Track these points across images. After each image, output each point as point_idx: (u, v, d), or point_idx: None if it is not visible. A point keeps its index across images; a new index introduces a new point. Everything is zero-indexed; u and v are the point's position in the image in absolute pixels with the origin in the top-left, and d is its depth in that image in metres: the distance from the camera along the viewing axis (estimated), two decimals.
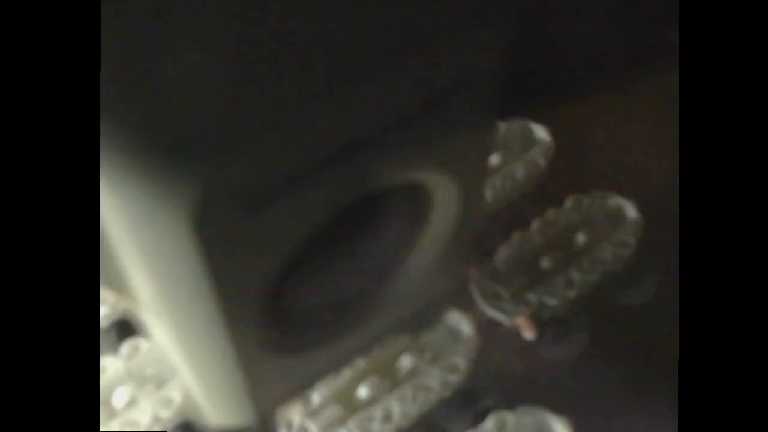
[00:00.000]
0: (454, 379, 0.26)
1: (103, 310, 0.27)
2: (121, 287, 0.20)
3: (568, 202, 0.30)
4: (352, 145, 0.17)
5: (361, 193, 0.18)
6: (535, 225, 0.29)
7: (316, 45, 0.15)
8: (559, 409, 0.25)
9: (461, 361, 0.26)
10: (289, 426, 0.25)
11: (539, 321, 0.28)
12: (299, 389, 0.24)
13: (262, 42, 0.15)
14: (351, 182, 0.18)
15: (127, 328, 0.28)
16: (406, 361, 0.26)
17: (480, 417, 0.25)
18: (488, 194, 0.30)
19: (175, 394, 0.25)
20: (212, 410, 0.22)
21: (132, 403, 0.25)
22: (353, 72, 0.16)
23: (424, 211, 0.21)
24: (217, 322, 0.18)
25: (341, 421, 0.25)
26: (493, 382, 0.27)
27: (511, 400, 0.26)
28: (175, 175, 0.15)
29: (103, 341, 0.27)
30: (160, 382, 0.26)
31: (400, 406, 0.25)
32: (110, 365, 0.26)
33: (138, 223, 0.16)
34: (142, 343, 0.26)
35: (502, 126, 0.32)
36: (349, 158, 0.17)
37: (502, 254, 0.29)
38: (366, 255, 0.22)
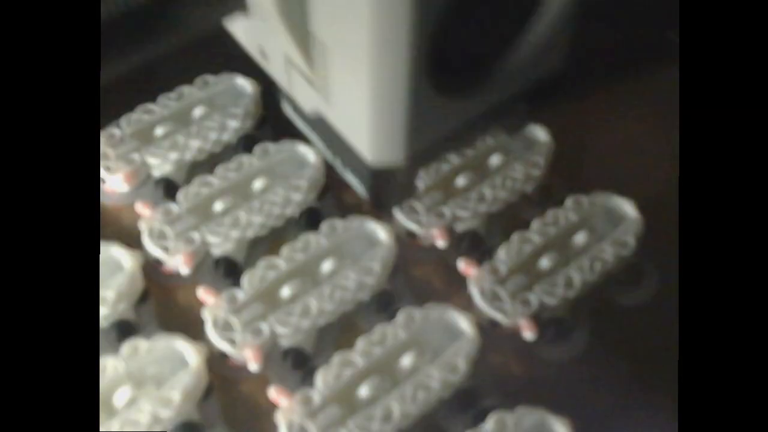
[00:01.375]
0: (454, 379, 0.26)
1: (103, 310, 0.27)
2: (297, 28, 0.23)
3: (568, 203, 0.30)
4: None
5: None
6: (535, 225, 0.29)
7: None
8: (559, 410, 0.25)
9: (461, 361, 0.26)
10: (290, 426, 0.25)
11: (539, 321, 0.28)
12: (446, 134, 0.25)
13: None
14: None
15: (127, 328, 0.28)
16: (406, 361, 0.26)
17: (480, 417, 0.25)
18: (488, 194, 0.30)
19: (174, 394, 0.25)
20: (371, 146, 0.24)
21: (132, 403, 0.25)
22: None
23: None
24: (392, 58, 0.21)
25: (341, 421, 0.25)
26: (492, 382, 0.27)
27: (510, 401, 0.26)
28: None
29: (103, 341, 0.27)
30: (160, 382, 0.26)
31: (400, 406, 0.25)
32: (110, 365, 0.26)
33: None
34: (142, 343, 0.26)
35: (502, 126, 0.32)
36: None
37: (502, 254, 0.29)
38: (496, 13, 0.24)
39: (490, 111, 0.26)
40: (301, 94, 0.26)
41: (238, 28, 0.27)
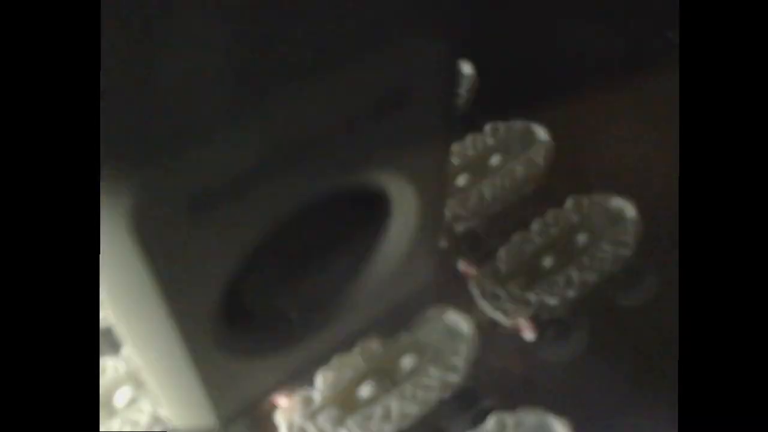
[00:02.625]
0: (454, 379, 0.26)
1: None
2: None
3: (568, 203, 0.30)
4: (301, 146, 0.16)
5: (316, 195, 0.18)
6: (535, 225, 0.29)
7: (263, 43, 0.15)
8: (559, 410, 0.25)
9: (461, 362, 0.26)
10: (290, 426, 0.25)
11: (539, 321, 0.28)
12: (265, 392, 0.23)
13: (209, 38, 0.14)
14: (297, 188, 0.17)
15: None
16: (406, 361, 0.26)
17: (480, 417, 0.25)
18: (488, 194, 0.30)
19: None
20: (174, 414, 0.22)
21: (132, 403, 0.25)
22: (300, 71, 0.15)
23: (383, 217, 0.21)
24: (170, 328, 0.18)
25: (341, 421, 0.25)
26: (492, 382, 0.27)
27: (510, 401, 0.26)
28: (110, 180, 0.14)
29: (104, 342, 0.27)
30: None
31: (400, 405, 0.25)
32: (111, 366, 0.26)
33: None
34: None
35: (502, 126, 0.32)
36: (298, 160, 0.16)
37: (502, 255, 0.29)
38: (329, 257, 0.21)
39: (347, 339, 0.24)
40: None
41: None
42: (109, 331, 0.27)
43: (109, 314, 0.18)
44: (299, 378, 0.24)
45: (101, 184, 0.14)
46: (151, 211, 0.15)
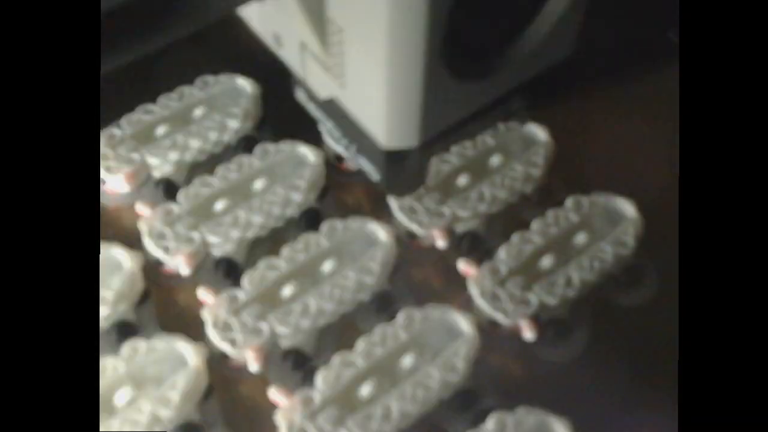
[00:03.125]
0: (454, 379, 0.26)
1: (103, 311, 0.27)
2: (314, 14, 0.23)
3: (568, 203, 0.30)
4: None
5: None
6: (535, 225, 0.29)
7: None
8: (558, 410, 0.25)
9: (461, 362, 0.26)
10: (290, 426, 0.25)
11: (539, 321, 0.28)
12: (459, 119, 0.26)
13: None
14: None
15: (127, 329, 0.28)
16: (406, 361, 0.26)
17: (479, 418, 0.25)
18: (488, 194, 0.30)
19: (173, 395, 0.25)
20: (385, 130, 0.25)
21: (132, 403, 0.25)
22: None
23: None
24: (410, 42, 0.21)
25: (341, 421, 0.25)
26: (492, 382, 0.27)
27: (510, 401, 0.26)
28: None
29: (103, 342, 0.27)
30: (160, 382, 0.26)
31: (399, 405, 0.25)
32: (110, 366, 0.26)
33: None
34: (143, 344, 0.26)
35: (502, 127, 0.32)
36: None
37: (502, 255, 0.29)
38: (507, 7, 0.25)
39: (500, 99, 0.27)
40: (316, 80, 0.27)
41: (253, 15, 0.28)
42: (109, 332, 0.27)
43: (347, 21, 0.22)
44: (482, 113, 0.27)
45: None
46: None
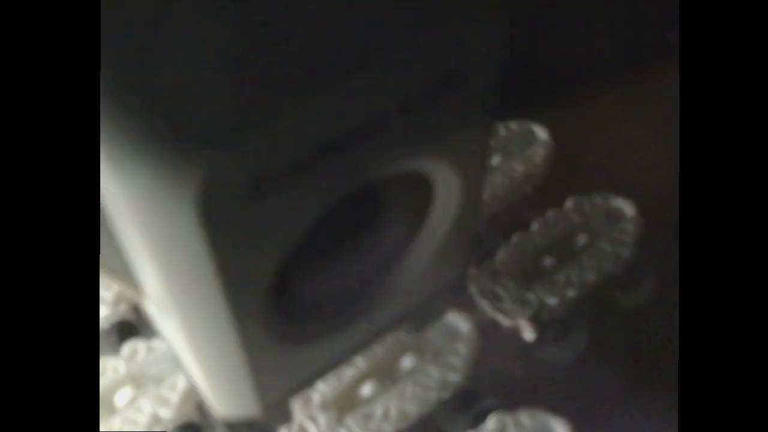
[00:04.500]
0: (454, 378, 0.26)
1: (104, 311, 0.27)
2: (126, 278, 0.20)
3: (568, 203, 0.30)
4: (353, 132, 0.17)
5: (362, 182, 0.18)
6: (535, 226, 0.29)
7: (320, 30, 0.15)
8: (559, 410, 0.25)
9: (461, 362, 0.26)
10: (290, 426, 0.25)
11: (539, 322, 0.28)
12: (305, 380, 0.24)
13: (264, 26, 0.15)
14: (353, 170, 0.18)
15: (128, 329, 0.28)
16: (406, 361, 0.26)
17: (480, 418, 0.25)
18: (487, 194, 0.30)
19: (173, 395, 0.25)
20: (219, 401, 0.22)
21: (132, 404, 0.25)
22: (354, 58, 0.16)
23: (426, 202, 0.21)
24: (223, 311, 0.18)
25: (341, 421, 0.25)
26: (492, 382, 0.27)
27: (510, 401, 0.26)
28: (180, 160, 0.15)
29: (104, 342, 0.27)
30: (160, 382, 0.26)
31: (399, 405, 0.25)
32: (111, 366, 0.26)
33: (144, 210, 0.16)
34: (143, 344, 0.26)
35: (502, 126, 0.32)
36: (350, 146, 0.17)
37: (502, 255, 0.29)
38: (367, 247, 0.22)
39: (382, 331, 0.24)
40: (150, 311, 0.24)
41: None
42: (109, 333, 0.27)
43: (160, 292, 0.19)
44: (337, 367, 0.24)
45: (167, 170, 0.15)
46: (217, 191, 0.15)
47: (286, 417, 0.26)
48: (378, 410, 0.25)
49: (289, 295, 0.20)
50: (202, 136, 0.15)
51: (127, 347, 0.26)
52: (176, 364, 0.26)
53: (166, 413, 0.25)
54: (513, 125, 0.32)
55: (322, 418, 0.25)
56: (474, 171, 0.21)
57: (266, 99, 0.15)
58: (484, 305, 0.28)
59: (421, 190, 0.21)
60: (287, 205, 0.17)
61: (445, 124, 0.19)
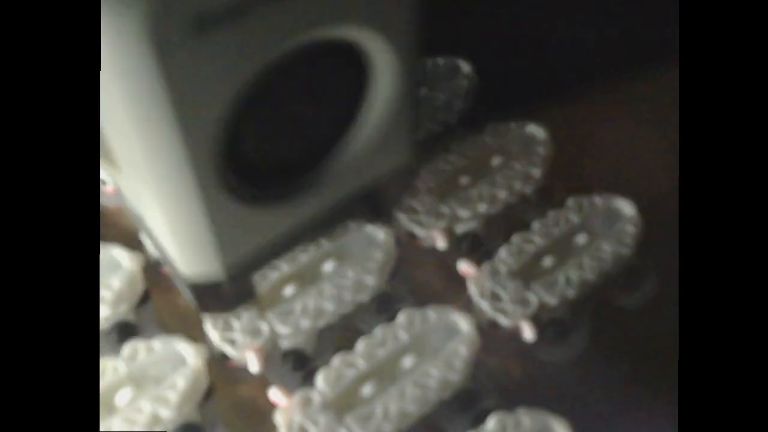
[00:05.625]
0: (454, 379, 0.26)
1: (104, 311, 0.27)
2: (106, 157, 0.21)
3: (568, 203, 0.30)
4: None
5: (298, 42, 0.19)
6: (535, 226, 0.29)
7: None
8: (558, 411, 0.25)
9: (460, 362, 0.26)
10: (290, 426, 0.25)
11: (539, 322, 0.28)
12: (265, 251, 0.24)
13: None
14: (289, 24, 0.19)
15: (128, 329, 0.28)
16: (406, 361, 0.26)
17: (479, 418, 0.25)
18: (488, 194, 0.30)
19: (173, 395, 0.25)
20: (184, 263, 0.23)
21: (132, 404, 0.25)
22: None
23: (366, 78, 0.22)
24: (182, 162, 0.19)
25: (341, 421, 0.25)
26: (492, 383, 0.27)
27: (510, 401, 0.26)
28: None
29: (104, 342, 0.27)
30: (160, 383, 0.26)
31: (399, 405, 0.25)
32: (111, 367, 0.26)
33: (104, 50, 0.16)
34: (143, 344, 0.26)
35: (502, 127, 0.32)
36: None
37: (502, 255, 0.29)
38: (313, 116, 0.23)
39: (334, 209, 0.25)
40: (124, 186, 0.24)
41: None
42: (109, 333, 0.27)
43: (125, 150, 0.19)
44: (296, 242, 0.25)
45: None
46: (165, 22, 0.16)
47: (249, 293, 0.26)
48: (378, 410, 0.25)
49: (243, 154, 0.20)
50: None
51: (127, 347, 0.26)
52: (176, 364, 0.26)
53: (166, 413, 0.25)
54: (511, 124, 0.32)
55: (322, 418, 0.25)
56: (406, 48, 0.22)
57: None
58: (484, 305, 0.28)
59: (360, 66, 0.22)
60: (231, 47, 0.18)
61: None
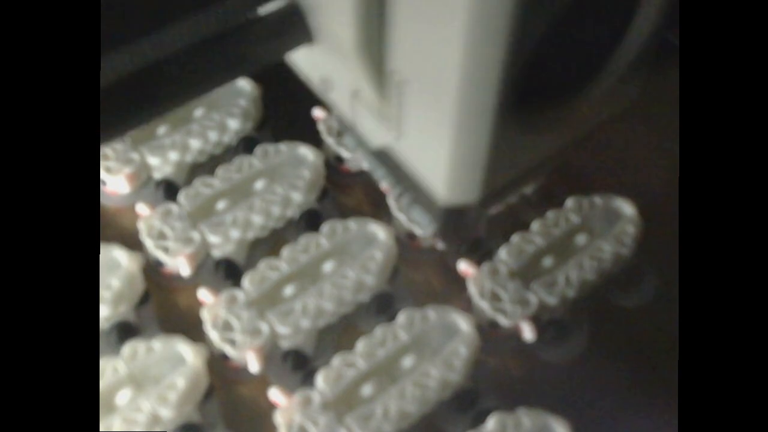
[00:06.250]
0: (454, 379, 0.26)
1: (104, 312, 0.27)
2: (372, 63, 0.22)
3: (568, 204, 0.30)
4: None
5: None
6: (535, 226, 0.29)
7: None
8: (558, 411, 0.25)
9: (461, 363, 0.26)
10: (290, 426, 0.25)
11: (539, 322, 0.28)
12: (521, 173, 0.25)
13: None
14: None
15: (128, 329, 0.28)
16: (406, 361, 0.26)
17: (479, 418, 0.25)
18: None
19: (173, 395, 0.25)
20: (447, 186, 0.23)
21: (132, 404, 0.25)
22: None
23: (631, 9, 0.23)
24: (486, 86, 0.19)
25: (341, 421, 0.25)
26: (492, 383, 0.27)
27: (510, 402, 0.26)
28: None
29: (104, 342, 0.27)
30: (160, 383, 0.26)
31: (399, 405, 0.25)
32: (111, 367, 0.26)
33: None
34: (143, 344, 0.26)
35: None
36: None
37: (502, 255, 0.29)
38: (580, 39, 0.23)
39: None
40: (369, 128, 0.25)
41: (299, 56, 0.26)
42: (109, 333, 0.27)
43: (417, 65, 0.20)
44: (545, 165, 0.25)
45: None
46: None
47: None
48: (378, 410, 0.25)
49: (528, 79, 0.21)
50: None
51: (127, 347, 0.26)
52: (176, 364, 0.26)
53: (166, 413, 0.25)
54: None
55: (322, 418, 0.25)
56: None
57: None
58: (484, 305, 0.28)
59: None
60: None
61: None
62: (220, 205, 0.30)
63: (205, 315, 0.27)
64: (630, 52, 0.24)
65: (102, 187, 0.31)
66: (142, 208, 0.30)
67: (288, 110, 0.31)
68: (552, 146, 0.25)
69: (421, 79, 0.21)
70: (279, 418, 0.25)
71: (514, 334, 0.28)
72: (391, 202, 0.30)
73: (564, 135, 0.25)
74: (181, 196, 0.30)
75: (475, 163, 0.22)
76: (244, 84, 0.33)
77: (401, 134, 0.23)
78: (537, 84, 0.21)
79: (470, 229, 0.27)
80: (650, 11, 0.23)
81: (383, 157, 0.25)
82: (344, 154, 0.31)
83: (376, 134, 0.25)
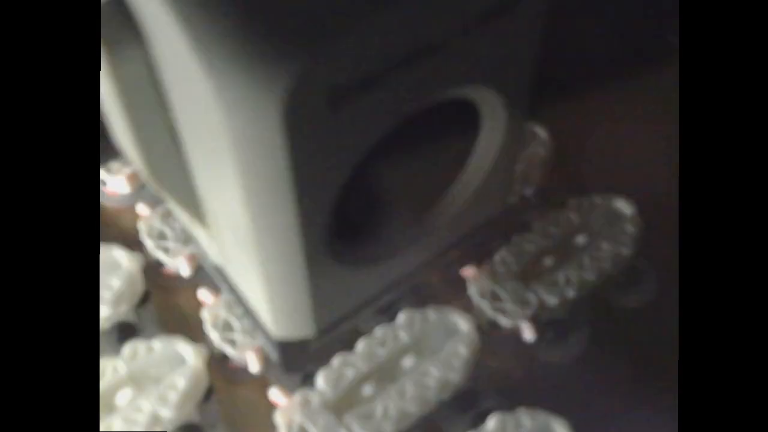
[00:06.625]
0: (454, 380, 0.26)
1: (104, 311, 0.27)
2: (190, 207, 0.21)
3: (569, 203, 0.30)
4: (419, 50, 0.17)
5: (422, 103, 0.19)
6: (535, 226, 0.29)
7: None
8: (558, 411, 0.25)
9: (461, 363, 0.26)
10: (290, 426, 0.25)
11: (539, 322, 0.28)
12: (356, 306, 0.24)
13: None
14: (416, 89, 0.18)
15: (128, 330, 0.28)
16: (406, 361, 0.26)
17: (479, 418, 0.25)
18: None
19: (173, 395, 0.25)
20: (277, 322, 0.22)
21: (133, 404, 0.25)
22: None
23: (473, 131, 0.22)
24: (294, 225, 0.18)
25: (341, 421, 0.25)
26: (492, 383, 0.27)
27: (510, 401, 0.26)
28: (272, 60, 0.15)
29: (104, 343, 0.27)
30: (161, 383, 0.26)
31: (399, 405, 0.25)
32: (111, 367, 0.26)
33: (233, 110, 0.16)
34: (143, 344, 0.26)
35: None
36: (415, 64, 0.17)
37: (503, 255, 0.29)
38: (418, 172, 0.22)
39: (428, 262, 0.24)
40: (204, 242, 0.24)
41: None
42: (109, 333, 0.27)
43: (232, 207, 0.19)
44: (385, 295, 0.25)
45: (259, 70, 0.15)
46: (301, 98, 0.15)
47: (343, 343, 0.26)
48: (378, 410, 0.25)
49: (349, 217, 0.20)
50: (295, 36, 0.15)
51: (127, 347, 0.26)
52: (176, 364, 0.26)
53: (166, 413, 0.25)
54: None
55: (322, 418, 0.25)
56: (520, 102, 0.21)
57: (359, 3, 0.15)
58: (484, 305, 0.28)
59: (468, 120, 0.21)
60: (359, 118, 0.17)
61: (498, 50, 0.19)
62: None
63: (206, 315, 0.27)
64: (466, 190, 0.23)
65: (102, 188, 0.31)
66: (142, 209, 0.30)
67: None
68: (403, 270, 0.24)
69: (226, 218, 0.20)
70: (279, 418, 0.25)
71: (514, 334, 0.28)
72: None
73: (415, 258, 0.24)
74: None
75: (297, 301, 0.21)
76: None
77: (228, 259, 0.22)
78: (361, 222, 0.21)
79: (313, 358, 0.25)
80: (485, 152, 0.22)
81: (224, 277, 0.24)
82: None
83: (211, 251, 0.24)
